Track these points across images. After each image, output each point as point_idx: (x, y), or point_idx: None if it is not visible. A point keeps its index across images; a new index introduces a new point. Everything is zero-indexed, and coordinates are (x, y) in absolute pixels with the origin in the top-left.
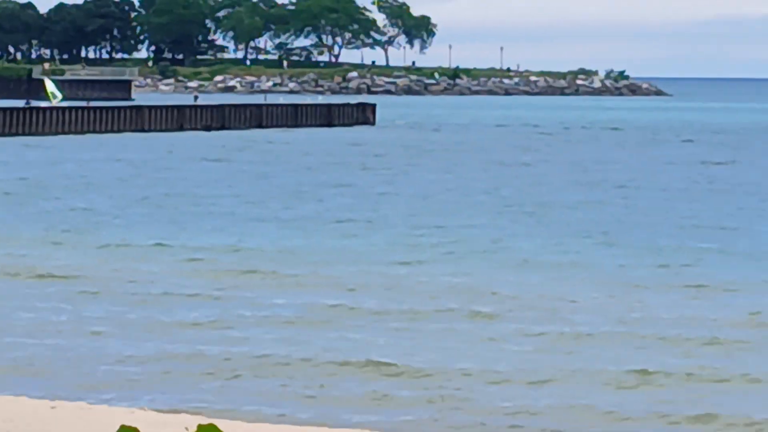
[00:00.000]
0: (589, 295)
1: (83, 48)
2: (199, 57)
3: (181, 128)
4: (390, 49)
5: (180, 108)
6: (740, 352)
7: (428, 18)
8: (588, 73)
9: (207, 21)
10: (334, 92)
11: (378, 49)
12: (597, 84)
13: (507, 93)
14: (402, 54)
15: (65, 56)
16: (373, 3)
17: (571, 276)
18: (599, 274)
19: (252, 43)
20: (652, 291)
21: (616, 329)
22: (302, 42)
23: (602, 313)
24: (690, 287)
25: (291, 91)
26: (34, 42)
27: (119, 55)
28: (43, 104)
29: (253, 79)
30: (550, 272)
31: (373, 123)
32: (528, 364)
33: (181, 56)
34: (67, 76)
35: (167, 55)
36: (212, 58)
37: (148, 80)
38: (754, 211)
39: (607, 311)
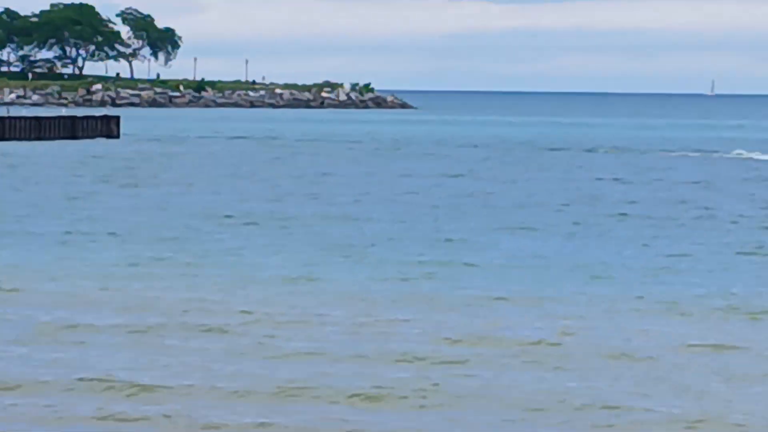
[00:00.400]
0: (328, 311)
1: None
2: None
3: None
4: (135, 61)
5: None
6: (472, 368)
7: (173, 30)
8: (333, 86)
9: None
10: (78, 105)
11: (122, 61)
12: (342, 97)
13: (252, 105)
14: (146, 66)
15: None
16: None
17: (312, 291)
18: (340, 288)
19: None
20: (392, 305)
21: (355, 345)
22: (46, 54)
23: (342, 328)
24: (433, 301)
25: (34, 104)
26: None
27: None
28: None
29: None
30: (289, 287)
31: (117, 135)
32: (262, 380)
33: None
34: None
35: None
36: None
37: None
38: (492, 223)
39: (347, 326)
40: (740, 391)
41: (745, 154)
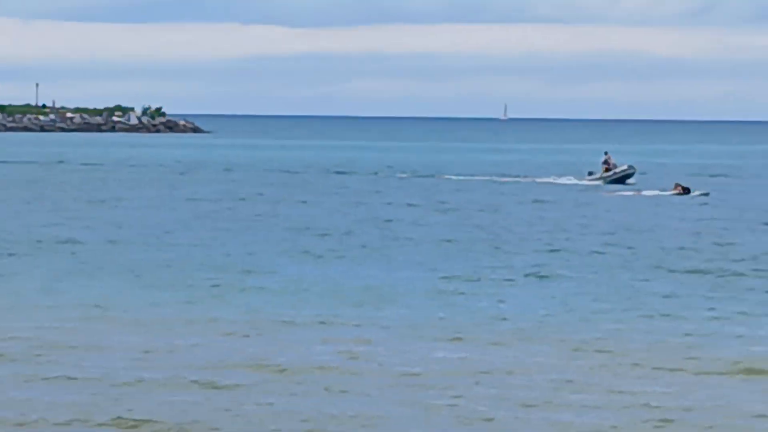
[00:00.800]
0: (116, 336)
1: None
2: None
3: None
4: None
5: None
6: (259, 393)
7: None
8: (124, 110)
9: None
10: None
11: None
12: (134, 121)
13: (43, 129)
14: None
15: None
16: None
17: (100, 316)
18: (128, 313)
19: None
20: (180, 330)
21: (140, 370)
22: None
23: (129, 354)
24: (219, 325)
25: None
26: None
27: None
28: None
29: None
30: (77, 312)
31: None
32: (47, 408)
33: None
34: None
35: None
36: None
37: None
38: (279, 246)
39: (134, 351)
40: (522, 416)
41: (555, 179)
